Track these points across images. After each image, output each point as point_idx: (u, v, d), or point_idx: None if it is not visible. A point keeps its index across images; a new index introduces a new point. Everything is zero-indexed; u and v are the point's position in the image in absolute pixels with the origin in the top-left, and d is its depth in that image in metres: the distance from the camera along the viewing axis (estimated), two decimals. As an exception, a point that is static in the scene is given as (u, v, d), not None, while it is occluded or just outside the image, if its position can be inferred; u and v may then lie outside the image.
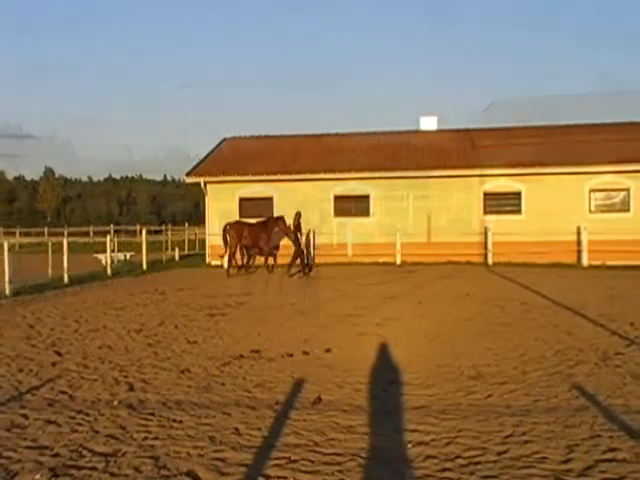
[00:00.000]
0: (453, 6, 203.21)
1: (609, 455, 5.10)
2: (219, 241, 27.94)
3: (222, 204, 28.99)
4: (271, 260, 23.96)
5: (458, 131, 32.04)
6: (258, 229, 23.89)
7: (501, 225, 26.58)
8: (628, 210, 26.38)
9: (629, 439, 5.44)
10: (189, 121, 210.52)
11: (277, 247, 23.89)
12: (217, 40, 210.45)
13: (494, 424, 5.92)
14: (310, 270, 23.16)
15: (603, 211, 26.65)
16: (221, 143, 33.42)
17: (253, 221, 24.61)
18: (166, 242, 35.96)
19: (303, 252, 23.49)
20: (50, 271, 20.82)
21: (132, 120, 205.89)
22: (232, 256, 23.89)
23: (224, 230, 24.18)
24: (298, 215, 23.76)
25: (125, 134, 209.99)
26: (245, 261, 24.28)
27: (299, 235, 23.40)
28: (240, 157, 30.71)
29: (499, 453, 5.20)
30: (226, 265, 23.78)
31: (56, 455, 5.31)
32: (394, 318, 12.41)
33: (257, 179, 28.72)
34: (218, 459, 5.17)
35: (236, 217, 28.75)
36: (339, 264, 26.50)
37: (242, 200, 29.02)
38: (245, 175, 28.75)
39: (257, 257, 24.66)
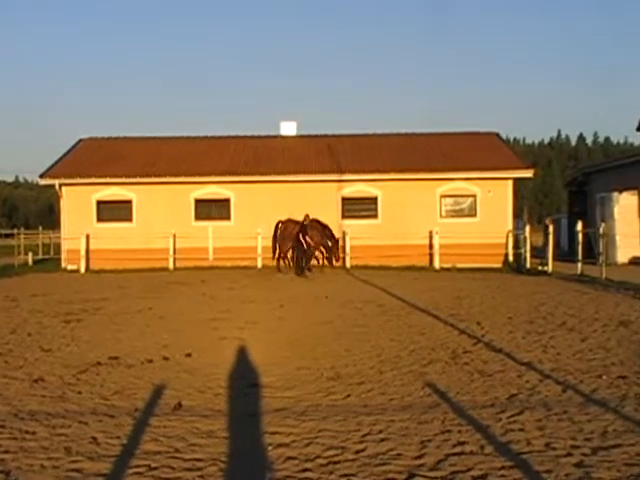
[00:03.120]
0: (316, 12, 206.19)
1: (458, 449, 5.37)
2: (75, 245, 27.05)
3: (78, 207, 28.02)
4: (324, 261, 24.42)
5: (317, 137, 32.54)
6: (307, 228, 23.99)
7: (358, 229, 27.26)
8: (475, 215, 27.77)
9: (476, 432, 5.76)
10: (44, 121, 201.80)
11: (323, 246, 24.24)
12: (63, 40, 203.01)
13: (352, 423, 6.10)
14: (302, 272, 23.27)
15: (452, 216, 27.92)
16: (77, 144, 32.23)
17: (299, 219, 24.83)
18: (18, 246, 34.20)
19: (305, 253, 23.62)
20: None
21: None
22: (284, 255, 24.18)
23: (276, 228, 24.30)
24: (306, 217, 23.88)
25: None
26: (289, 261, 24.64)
27: (307, 237, 23.59)
28: (97, 159, 29.78)
29: (357, 451, 5.35)
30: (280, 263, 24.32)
31: None
32: (255, 321, 12.47)
33: (115, 182, 28.00)
34: (74, 470, 5.02)
35: (92, 221, 27.95)
36: (200, 268, 26.32)
37: (100, 203, 28.22)
38: (102, 177, 27.97)
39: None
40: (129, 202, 28.22)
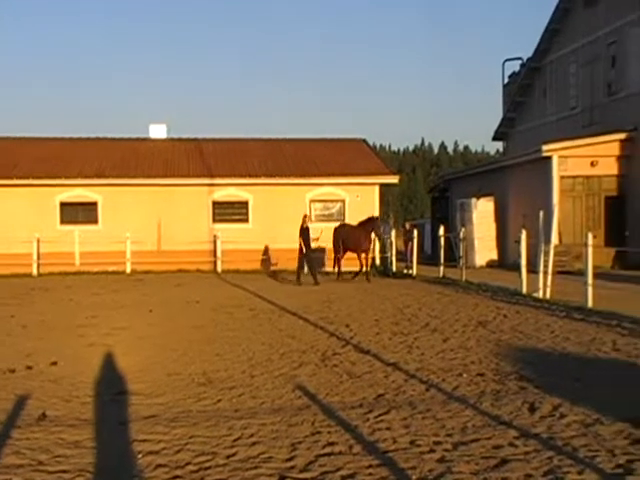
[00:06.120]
0: (181, 12, 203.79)
1: (328, 449, 5.49)
2: None
3: None
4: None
5: (187, 140, 32.23)
6: (360, 231, 22.67)
7: (229, 233, 27.18)
8: (344, 220, 28.17)
9: (345, 433, 5.92)
10: None
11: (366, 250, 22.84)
12: None
13: (223, 428, 6.11)
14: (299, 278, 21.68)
15: (322, 220, 28.27)
16: None
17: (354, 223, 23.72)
18: None
19: (308, 257, 22.18)
20: None
21: None
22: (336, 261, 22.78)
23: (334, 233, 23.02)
24: (304, 217, 22.65)
25: None
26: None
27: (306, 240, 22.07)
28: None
29: (228, 456, 5.36)
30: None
31: None
32: (124, 327, 12.22)
33: (-28, 183, 26.58)
34: None
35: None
36: (66, 273, 25.40)
37: (-43, 206, 26.69)
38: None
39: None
40: (-13, 205, 26.85)
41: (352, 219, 27.89)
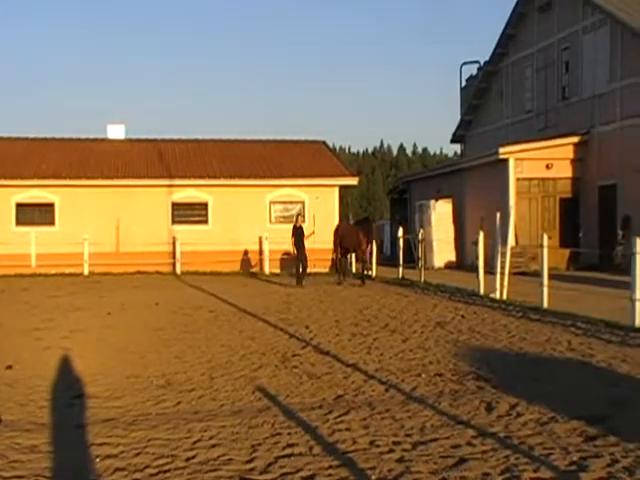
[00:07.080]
0: (142, 12, 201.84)
1: (288, 450, 5.50)
2: None
3: None
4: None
5: (146, 141, 31.92)
6: (357, 231, 22.09)
7: (189, 235, 27.02)
8: (304, 221, 28.18)
9: (305, 434, 5.94)
10: None
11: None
12: None
13: (183, 431, 6.08)
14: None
15: (282, 222, 28.26)
16: None
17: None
18: None
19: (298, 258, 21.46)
20: None
21: None
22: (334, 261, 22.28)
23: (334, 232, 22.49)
24: (297, 216, 22.27)
25: None
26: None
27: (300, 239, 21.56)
28: None
29: (187, 459, 5.34)
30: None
31: None
32: (82, 330, 12.08)
33: None
34: None
35: None
36: (21, 275, 24.96)
37: None
38: None
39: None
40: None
41: (312, 221, 27.99)
